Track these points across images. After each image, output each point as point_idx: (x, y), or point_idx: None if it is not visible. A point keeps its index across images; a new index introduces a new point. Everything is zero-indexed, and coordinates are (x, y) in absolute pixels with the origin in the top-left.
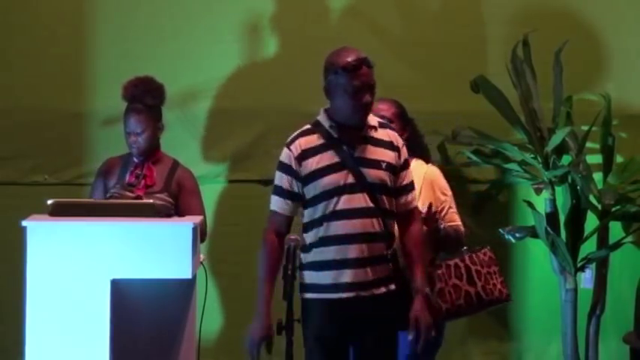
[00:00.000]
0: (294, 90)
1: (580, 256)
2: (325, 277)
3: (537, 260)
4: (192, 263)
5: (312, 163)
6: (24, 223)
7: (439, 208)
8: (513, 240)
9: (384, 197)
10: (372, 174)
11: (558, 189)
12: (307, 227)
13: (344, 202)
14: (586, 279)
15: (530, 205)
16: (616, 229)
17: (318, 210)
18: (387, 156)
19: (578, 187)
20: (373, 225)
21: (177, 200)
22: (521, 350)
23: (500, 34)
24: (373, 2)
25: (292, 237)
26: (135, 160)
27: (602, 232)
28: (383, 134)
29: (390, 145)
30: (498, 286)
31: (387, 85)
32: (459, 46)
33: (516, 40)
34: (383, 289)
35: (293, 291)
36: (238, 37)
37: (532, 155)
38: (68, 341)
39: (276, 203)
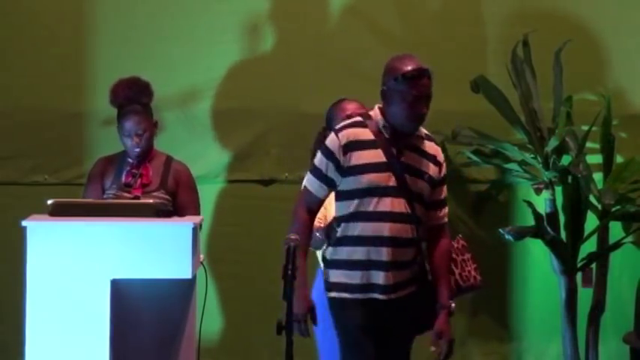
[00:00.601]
0: (294, 90)
1: (580, 256)
2: (355, 277)
3: (537, 260)
4: (192, 263)
5: (357, 157)
6: (24, 223)
7: None
8: (513, 240)
9: (420, 206)
10: (414, 182)
11: (558, 189)
12: (339, 220)
13: (385, 204)
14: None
15: (530, 205)
16: (616, 229)
17: (353, 205)
18: (430, 169)
19: (579, 187)
20: (407, 231)
21: (175, 195)
22: (521, 350)
23: (500, 34)
24: (373, 2)
25: (292, 237)
26: (129, 159)
27: (602, 232)
28: (429, 147)
29: (433, 159)
30: (473, 272)
31: None
32: (459, 46)
33: (516, 40)
34: (405, 292)
35: (293, 291)
36: (238, 37)
37: (532, 155)
38: (68, 341)
39: (312, 184)
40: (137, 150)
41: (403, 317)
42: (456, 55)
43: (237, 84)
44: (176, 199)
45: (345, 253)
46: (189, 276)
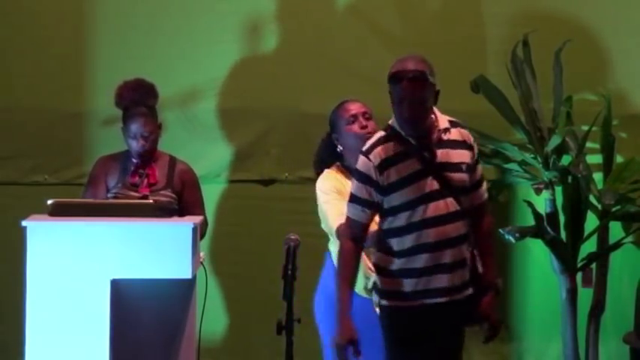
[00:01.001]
0: (294, 90)
1: (580, 256)
2: (409, 285)
3: (537, 260)
4: (192, 263)
5: (394, 173)
6: (24, 223)
7: None
8: (513, 240)
9: (464, 198)
10: (456, 177)
11: (558, 189)
12: (389, 234)
13: (432, 209)
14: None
15: (530, 205)
16: (616, 229)
17: (402, 219)
18: (465, 156)
19: (579, 187)
20: (459, 228)
21: (181, 195)
22: (522, 350)
23: (500, 34)
24: (374, 2)
25: (292, 237)
26: (133, 160)
27: (602, 232)
28: (456, 134)
29: (464, 145)
30: None
31: (386, 86)
32: (459, 46)
33: (516, 40)
34: (466, 293)
35: (293, 291)
36: (238, 37)
37: (532, 155)
38: (68, 341)
39: (354, 211)
40: (142, 152)
41: (457, 320)
42: (456, 55)
43: (238, 84)
44: (182, 198)
45: (401, 263)
46: (189, 276)
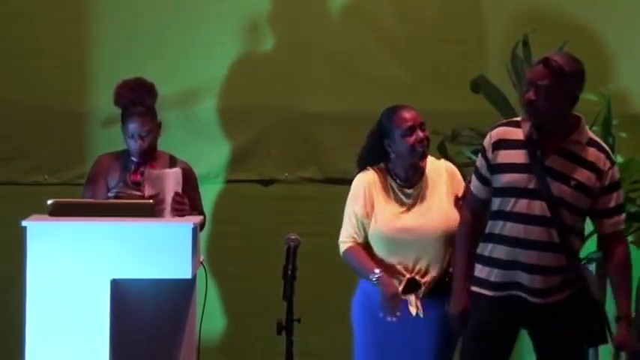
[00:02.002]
0: (294, 90)
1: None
2: (491, 274)
3: None
4: (192, 263)
5: (503, 155)
6: (24, 223)
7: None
8: None
9: (567, 212)
10: (557, 187)
11: None
12: (491, 216)
13: (521, 205)
14: None
15: None
16: None
17: (496, 204)
18: (581, 175)
19: None
20: (549, 235)
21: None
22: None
23: (501, 34)
24: (373, 2)
25: (292, 237)
26: (134, 159)
27: None
28: (589, 153)
29: (590, 165)
30: None
31: (387, 85)
32: (459, 46)
33: (516, 40)
34: (551, 299)
35: (293, 291)
36: (238, 37)
37: None
38: (68, 341)
39: (474, 184)
40: (140, 151)
41: (546, 323)
42: (456, 55)
43: (238, 84)
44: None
45: (488, 249)
46: (189, 276)
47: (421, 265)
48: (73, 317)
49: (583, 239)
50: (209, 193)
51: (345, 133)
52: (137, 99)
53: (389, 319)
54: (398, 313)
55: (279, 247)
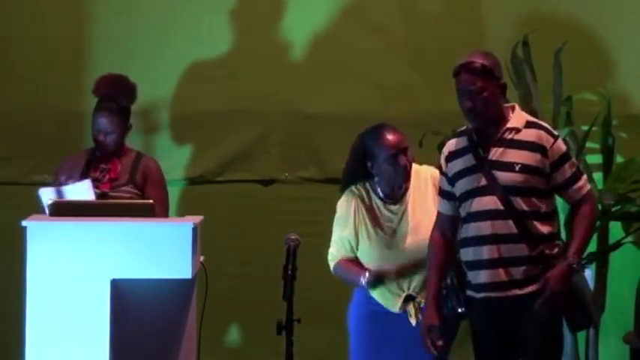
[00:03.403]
0: (294, 90)
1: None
2: (475, 277)
3: None
4: (192, 263)
5: (455, 166)
6: (24, 223)
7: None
8: None
9: (521, 199)
10: (504, 177)
11: None
12: (461, 224)
13: (475, 204)
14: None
15: None
16: (616, 229)
17: (461, 211)
18: (524, 157)
19: None
20: (507, 226)
21: (143, 191)
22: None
23: (500, 34)
24: (374, 2)
25: (292, 237)
26: (98, 154)
27: (602, 231)
28: (527, 134)
29: (530, 146)
30: None
31: (387, 85)
32: (459, 46)
33: (516, 40)
34: (521, 291)
35: (293, 291)
36: (238, 38)
37: None
38: (68, 341)
39: (439, 204)
40: (101, 147)
41: (526, 316)
42: (455, 55)
43: (238, 84)
44: (144, 195)
45: (463, 253)
46: (189, 276)
47: (416, 283)
48: (73, 317)
49: (554, 221)
50: (209, 193)
51: (345, 134)
52: (112, 95)
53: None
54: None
55: (279, 247)
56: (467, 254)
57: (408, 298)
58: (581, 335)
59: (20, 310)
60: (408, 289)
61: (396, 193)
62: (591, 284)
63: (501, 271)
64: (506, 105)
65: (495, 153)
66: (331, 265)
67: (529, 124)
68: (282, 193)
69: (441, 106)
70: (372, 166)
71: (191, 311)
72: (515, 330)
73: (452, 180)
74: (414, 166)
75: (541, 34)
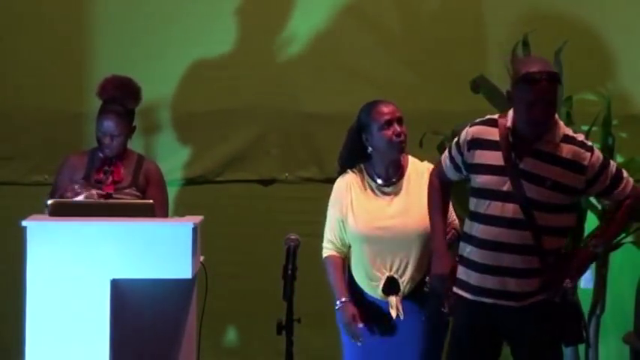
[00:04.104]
0: (294, 90)
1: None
2: (470, 277)
3: None
4: (192, 263)
5: (479, 156)
6: (24, 223)
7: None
8: None
9: (542, 214)
10: (533, 190)
11: None
12: (468, 215)
13: (495, 207)
14: (586, 279)
15: None
16: None
17: (472, 204)
18: (557, 174)
19: None
20: (522, 237)
21: (145, 194)
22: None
23: (500, 34)
24: (373, 2)
25: (292, 237)
26: (100, 155)
27: None
28: (564, 150)
29: (566, 163)
30: None
31: (387, 85)
32: (459, 46)
33: (516, 40)
34: (526, 302)
35: (293, 291)
36: (238, 38)
37: None
38: (68, 341)
39: (446, 162)
40: (107, 149)
41: (523, 328)
42: (456, 55)
43: (238, 84)
44: (145, 196)
45: (466, 251)
46: (189, 276)
47: (399, 264)
48: (73, 317)
49: (566, 237)
50: (209, 193)
51: (345, 134)
52: (119, 98)
53: (354, 341)
54: (360, 339)
55: (279, 247)
56: (474, 254)
57: (391, 282)
58: None
59: (20, 310)
60: (391, 269)
61: (392, 175)
62: (591, 284)
63: (507, 280)
64: None
65: (528, 163)
66: (323, 253)
67: (565, 139)
68: (282, 193)
69: (441, 106)
70: (367, 138)
71: (191, 311)
72: (510, 335)
73: (470, 167)
74: (412, 158)
75: (541, 34)
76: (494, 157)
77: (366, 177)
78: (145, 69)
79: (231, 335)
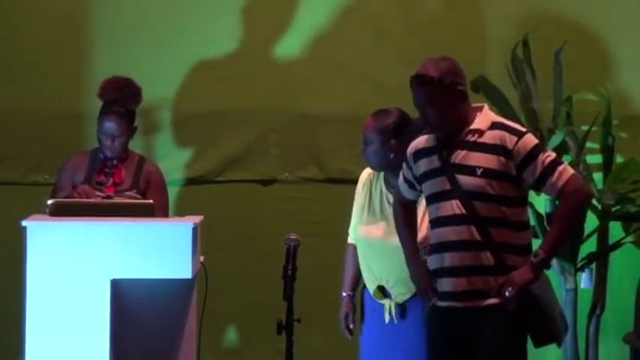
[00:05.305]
0: (294, 90)
1: (580, 256)
2: (437, 284)
3: None
4: (192, 263)
5: (422, 166)
6: (24, 223)
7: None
8: None
9: (484, 204)
10: (466, 181)
11: None
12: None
13: (440, 209)
14: (586, 279)
15: (530, 205)
16: (616, 229)
17: (428, 213)
18: (486, 160)
19: None
20: (469, 233)
21: (145, 196)
22: None
23: (500, 34)
24: (374, 3)
25: (292, 237)
26: (101, 156)
27: (602, 232)
28: (491, 136)
29: (493, 148)
30: None
31: (387, 86)
32: (459, 46)
33: (516, 40)
34: (481, 303)
35: (293, 291)
36: (238, 38)
37: None
38: (68, 341)
39: (400, 181)
40: (108, 150)
41: (485, 328)
42: (456, 55)
43: (238, 84)
44: (146, 198)
45: (428, 261)
46: (189, 276)
47: (386, 273)
48: (73, 317)
49: (524, 231)
50: (209, 193)
51: (345, 133)
52: (120, 99)
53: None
54: (348, 334)
55: (279, 247)
56: (432, 261)
57: (381, 290)
58: (581, 335)
59: (20, 310)
60: (380, 279)
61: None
62: (591, 284)
63: (463, 279)
64: (474, 105)
65: (458, 156)
66: (348, 240)
67: (494, 125)
68: (282, 193)
69: None
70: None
71: (191, 311)
72: (470, 342)
73: (418, 179)
74: None
75: (541, 34)
76: (432, 162)
77: (381, 180)
78: (145, 69)
79: (231, 335)
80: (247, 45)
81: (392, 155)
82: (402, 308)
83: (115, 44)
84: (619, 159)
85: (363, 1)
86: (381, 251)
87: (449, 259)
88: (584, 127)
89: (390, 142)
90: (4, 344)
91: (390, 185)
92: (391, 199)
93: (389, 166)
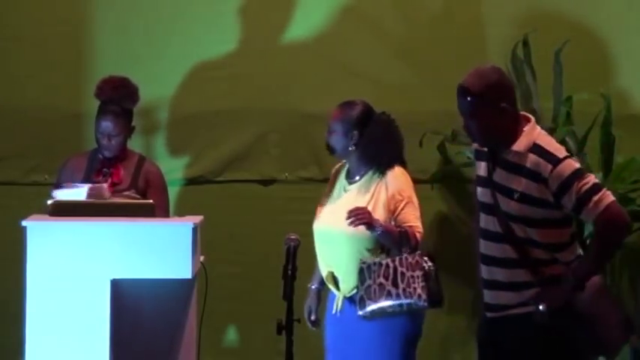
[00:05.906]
0: (294, 90)
1: None
2: (484, 295)
3: None
4: (192, 263)
5: (477, 167)
6: (24, 223)
7: (392, 207)
8: None
9: (519, 226)
10: (504, 202)
11: None
12: None
13: (483, 220)
14: None
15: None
16: None
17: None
18: (523, 185)
19: None
20: (504, 251)
21: (145, 196)
22: None
23: (500, 34)
24: (373, 2)
25: (292, 237)
26: (100, 156)
27: None
28: (529, 161)
29: (530, 174)
30: (418, 290)
31: (386, 85)
32: (459, 46)
33: (516, 40)
34: (518, 310)
35: (293, 291)
36: (237, 37)
37: None
38: (68, 341)
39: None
40: (105, 150)
41: (504, 338)
42: (456, 54)
43: (237, 84)
44: (146, 199)
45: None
46: (189, 276)
47: (337, 269)
48: (73, 317)
49: (564, 251)
50: (209, 193)
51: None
52: (117, 99)
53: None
54: (310, 325)
55: (279, 247)
56: (478, 270)
57: (332, 276)
58: None
59: (20, 310)
60: (330, 266)
61: (352, 175)
62: None
63: (495, 293)
64: (522, 114)
65: (499, 175)
66: None
67: (533, 148)
68: (282, 193)
69: (440, 106)
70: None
71: (191, 311)
72: (498, 349)
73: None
74: (397, 169)
75: (541, 34)
76: (483, 169)
77: (343, 169)
78: (145, 69)
79: (231, 335)
80: (247, 45)
81: (353, 145)
82: (350, 301)
83: (114, 44)
84: (619, 159)
85: (363, 1)
86: (329, 238)
87: (486, 271)
88: (584, 128)
89: (352, 133)
90: (4, 344)
91: (350, 175)
92: (348, 189)
93: (349, 155)
